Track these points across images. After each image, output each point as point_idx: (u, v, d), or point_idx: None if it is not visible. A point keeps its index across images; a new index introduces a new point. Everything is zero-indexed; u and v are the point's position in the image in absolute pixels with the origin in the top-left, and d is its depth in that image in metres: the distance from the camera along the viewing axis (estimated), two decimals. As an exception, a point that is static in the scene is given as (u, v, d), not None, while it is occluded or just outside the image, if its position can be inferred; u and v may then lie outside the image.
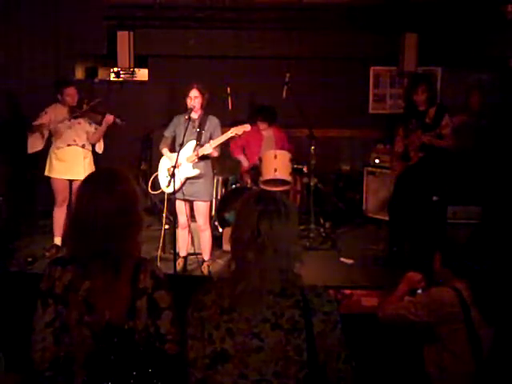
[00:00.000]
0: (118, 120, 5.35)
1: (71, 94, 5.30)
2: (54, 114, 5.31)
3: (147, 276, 1.97)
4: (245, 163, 6.26)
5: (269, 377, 1.77)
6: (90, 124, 5.42)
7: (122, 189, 2.01)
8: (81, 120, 5.37)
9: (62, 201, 5.40)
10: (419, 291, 3.00)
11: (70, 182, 5.39)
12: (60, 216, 5.43)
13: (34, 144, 5.35)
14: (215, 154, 4.85)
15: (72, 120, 5.33)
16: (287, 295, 1.80)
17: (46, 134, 5.34)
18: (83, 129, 5.39)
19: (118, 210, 1.95)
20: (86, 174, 5.61)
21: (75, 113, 5.32)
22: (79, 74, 7.24)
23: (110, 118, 5.30)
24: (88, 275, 1.95)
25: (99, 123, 5.38)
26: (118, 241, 1.95)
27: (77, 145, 5.36)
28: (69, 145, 5.33)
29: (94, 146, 5.51)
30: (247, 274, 1.78)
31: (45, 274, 2.00)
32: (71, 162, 5.34)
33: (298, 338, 1.77)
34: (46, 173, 5.39)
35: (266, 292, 1.78)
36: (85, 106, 5.35)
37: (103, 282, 1.94)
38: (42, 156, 5.47)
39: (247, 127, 4.83)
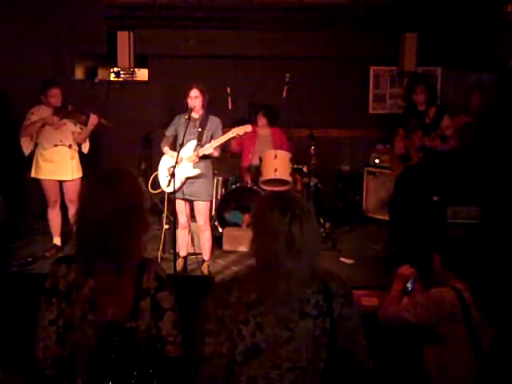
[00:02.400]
0: (103, 120, 5.33)
1: (55, 95, 5.24)
2: (39, 115, 5.27)
3: (151, 277, 1.97)
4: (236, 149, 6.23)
5: (301, 364, 1.80)
6: (75, 125, 5.38)
7: (127, 188, 2.01)
8: (66, 121, 5.32)
9: (53, 202, 5.40)
10: (409, 284, 3.00)
11: (60, 182, 5.39)
12: (55, 217, 5.44)
13: (28, 146, 5.33)
14: (216, 154, 4.85)
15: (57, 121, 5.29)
16: (310, 282, 1.84)
17: (35, 135, 5.29)
18: (69, 129, 5.35)
19: (122, 209, 1.95)
20: (74, 174, 5.63)
21: (60, 113, 5.28)
22: (79, 73, 7.24)
23: (94, 118, 5.27)
24: (92, 274, 1.95)
25: (84, 123, 5.34)
26: (121, 240, 1.95)
27: (64, 145, 5.32)
28: (55, 145, 5.30)
29: (80, 146, 5.47)
30: (284, 280, 1.78)
31: (50, 272, 2.00)
32: (59, 162, 5.32)
33: (324, 322, 1.82)
34: (33, 174, 5.36)
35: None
36: (70, 107, 5.29)
37: (106, 280, 1.94)
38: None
39: (248, 128, 4.82)
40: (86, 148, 5.50)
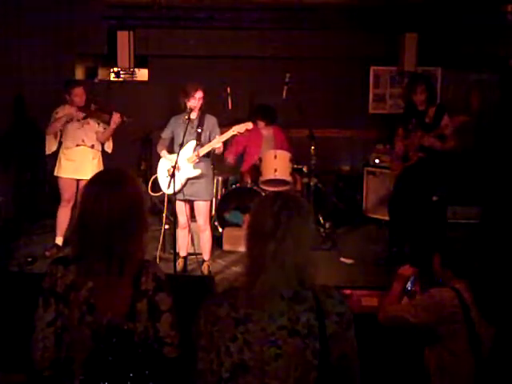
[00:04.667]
0: (125, 118, 5.35)
1: (79, 95, 5.29)
2: (63, 114, 5.30)
3: (149, 278, 1.97)
4: (230, 160, 6.20)
5: (290, 383, 1.75)
6: (98, 124, 5.42)
7: (129, 190, 2.01)
8: (89, 120, 5.38)
9: (67, 200, 5.40)
10: (409, 284, 3.00)
11: (77, 181, 5.40)
12: (64, 216, 5.43)
13: (51, 145, 5.39)
14: (221, 149, 4.87)
15: (81, 120, 5.34)
16: (300, 299, 1.78)
17: (59, 134, 5.37)
18: (92, 129, 5.40)
19: (124, 210, 1.96)
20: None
21: (84, 113, 5.32)
22: (79, 74, 7.24)
23: (117, 117, 5.30)
24: (91, 275, 1.95)
25: (107, 123, 5.37)
26: (122, 242, 1.95)
27: (85, 145, 5.37)
28: (78, 145, 5.35)
29: (103, 145, 5.51)
30: (266, 267, 1.76)
31: (47, 273, 2.00)
32: (80, 161, 5.35)
33: (315, 342, 1.76)
34: (56, 173, 5.40)
35: (281, 292, 1.77)
36: (93, 106, 5.35)
37: (106, 282, 1.94)
38: (42, 156, 5.48)
39: (249, 125, 4.83)
40: (109, 147, 5.54)
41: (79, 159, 5.36)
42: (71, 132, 5.33)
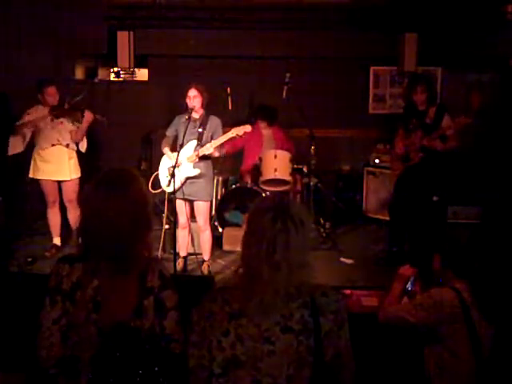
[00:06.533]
0: (98, 116, 5.31)
1: (52, 94, 5.23)
2: (36, 115, 5.25)
3: (155, 276, 1.99)
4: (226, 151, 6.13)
5: (282, 380, 1.74)
6: (72, 123, 5.35)
7: (134, 190, 2.02)
8: (63, 120, 5.30)
9: (52, 202, 5.40)
10: (409, 284, 3.00)
11: (58, 182, 5.39)
12: (54, 217, 5.44)
13: (15, 146, 5.28)
14: (216, 154, 4.85)
15: (54, 120, 5.26)
16: (295, 296, 1.78)
17: (28, 135, 5.27)
18: (66, 128, 5.33)
19: (131, 211, 1.96)
20: (72, 174, 5.63)
21: (56, 112, 5.25)
22: (79, 73, 7.24)
23: (89, 115, 5.25)
24: (97, 274, 1.96)
25: (80, 121, 5.31)
26: (129, 242, 1.96)
27: (61, 144, 5.30)
28: (53, 145, 5.28)
29: (77, 145, 5.44)
30: (260, 289, 1.75)
31: (53, 272, 2.01)
32: (57, 162, 5.30)
33: (309, 339, 1.75)
34: (31, 174, 5.35)
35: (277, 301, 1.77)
36: (66, 105, 5.28)
37: (112, 281, 1.95)
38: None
39: (248, 128, 4.83)
40: (83, 147, 5.45)
41: (56, 160, 5.29)
42: (45, 133, 5.25)
